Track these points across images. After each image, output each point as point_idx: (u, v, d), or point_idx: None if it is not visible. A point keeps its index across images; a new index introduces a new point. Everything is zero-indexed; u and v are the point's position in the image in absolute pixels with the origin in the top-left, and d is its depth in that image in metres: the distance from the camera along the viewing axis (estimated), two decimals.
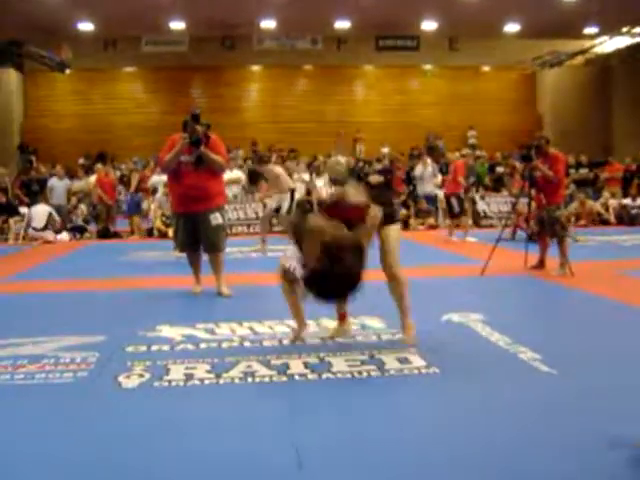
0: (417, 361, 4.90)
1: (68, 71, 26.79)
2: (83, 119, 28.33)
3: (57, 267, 11.53)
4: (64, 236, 16.57)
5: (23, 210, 17.15)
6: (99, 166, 18.74)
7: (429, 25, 26.72)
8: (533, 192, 9.34)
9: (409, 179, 19.64)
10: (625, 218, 17.56)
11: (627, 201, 18.16)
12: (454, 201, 14.26)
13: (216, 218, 7.72)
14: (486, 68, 30.16)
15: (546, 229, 9.16)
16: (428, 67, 30.27)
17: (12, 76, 27.13)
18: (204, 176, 7.65)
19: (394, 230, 5.45)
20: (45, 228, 16.22)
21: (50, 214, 16.43)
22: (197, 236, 7.77)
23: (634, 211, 17.64)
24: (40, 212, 16.41)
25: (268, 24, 26.20)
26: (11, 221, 16.69)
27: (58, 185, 17.34)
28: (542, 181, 9.18)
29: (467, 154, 17.80)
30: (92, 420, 3.93)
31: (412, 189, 19.12)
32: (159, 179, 17.26)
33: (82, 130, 27.95)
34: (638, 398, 4.06)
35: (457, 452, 3.36)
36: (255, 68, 29.98)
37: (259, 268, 9.98)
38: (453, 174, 14.50)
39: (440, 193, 17.95)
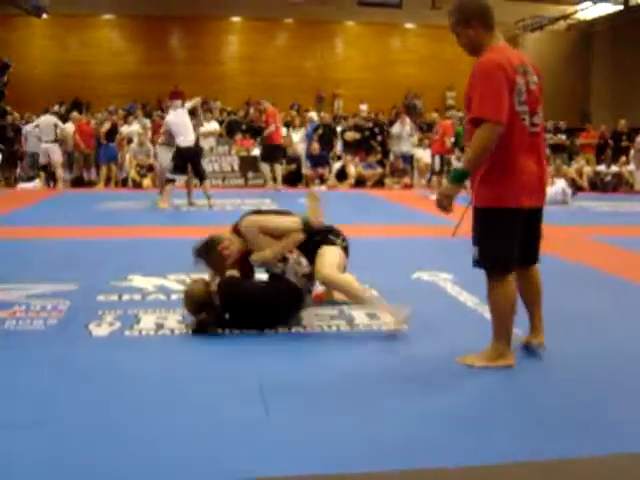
0: (386, 317, 4.96)
1: (45, 16, 26.33)
2: (59, 65, 27.91)
3: (31, 214, 11.46)
4: (37, 183, 16.43)
5: None
6: (75, 114, 18.52)
7: None
8: None
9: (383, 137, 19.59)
10: (598, 185, 17.71)
11: (601, 168, 18.29)
12: (438, 161, 14.40)
13: None
14: None
15: None
16: (410, 25, 30.08)
17: None
18: None
19: (331, 249, 4.96)
20: (55, 141, 16.18)
21: (56, 125, 16.42)
22: None
23: (607, 178, 17.79)
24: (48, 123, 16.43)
25: None
26: None
27: (31, 132, 17.09)
28: None
29: (452, 115, 17.75)
30: (61, 366, 3.96)
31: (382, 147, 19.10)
32: (133, 129, 17.17)
33: (58, 76, 27.55)
34: (599, 362, 4.15)
35: (417, 406, 3.43)
36: (235, 19, 29.62)
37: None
38: (441, 135, 14.52)
39: (416, 152, 17.99)
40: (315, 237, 4.94)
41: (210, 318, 4.57)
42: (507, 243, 3.81)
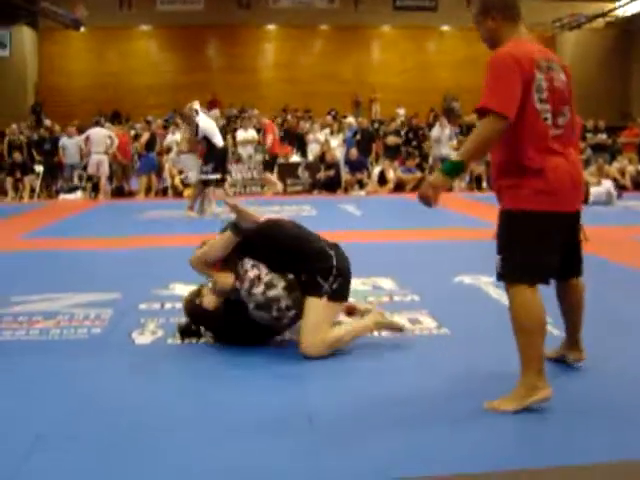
0: (428, 322, 4.92)
1: (83, 29, 26.69)
2: (97, 77, 28.24)
3: (72, 225, 11.59)
4: (78, 195, 16.63)
5: (38, 168, 17.21)
6: (108, 124, 18.73)
7: None
8: None
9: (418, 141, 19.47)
10: None
11: None
12: None
13: None
14: None
15: None
16: (446, 28, 29.96)
17: (26, 34, 27.02)
18: None
19: (316, 305, 4.26)
20: (106, 152, 16.53)
21: (110, 136, 16.78)
22: None
23: None
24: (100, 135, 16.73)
25: None
26: (26, 179, 16.76)
27: (70, 144, 17.31)
28: None
29: None
30: (104, 375, 3.99)
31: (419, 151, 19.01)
32: (173, 139, 17.29)
33: (96, 88, 27.88)
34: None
35: (459, 411, 3.38)
36: (271, 27, 29.75)
37: None
38: None
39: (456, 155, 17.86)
40: (308, 268, 4.34)
41: (189, 326, 4.68)
42: (534, 250, 3.37)
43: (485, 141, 3.33)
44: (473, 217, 11.55)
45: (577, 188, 3.51)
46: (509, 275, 3.42)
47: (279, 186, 16.98)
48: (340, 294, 4.35)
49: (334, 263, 4.33)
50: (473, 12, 3.68)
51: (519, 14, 3.62)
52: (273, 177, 17.22)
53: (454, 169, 3.39)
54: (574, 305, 3.86)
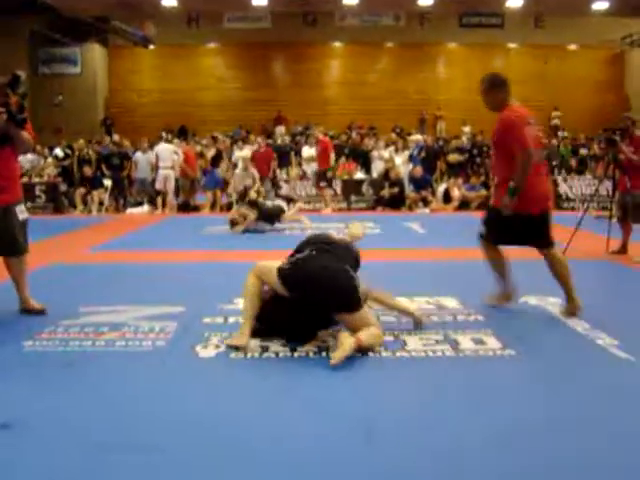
0: (492, 343, 4.86)
1: (151, 47, 27.21)
2: (165, 94, 28.72)
3: (138, 239, 11.76)
4: (145, 208, 16.90)
5: (106, 182, 17.55)
6: (176, 141, 19.03)
7: (514, 2, 26.21)
8: (617, 175, 9.12)
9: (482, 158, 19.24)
10: None
11: None
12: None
13: (22, 211, 5.86)
14: (572, 47, 29.41)
15: (629, 213, 8.91)
16: (512, 45, 29.72)
17: (97, 52, 27.67)
18: (4, 156, 5.71)
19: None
20: (172, 167, 16.95)
21: (176, 152, 17.20)
22: None
23: None
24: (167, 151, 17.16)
25: (350, 0, 26.04)
26: (95, 193, 17.10)
27: (142, 158, 17.66)
28: (627, 164, 8.92)
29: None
30: (168, 387, 4.03)
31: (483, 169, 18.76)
32: (243, 154, 17.49)
33: (164, 105, 28.34)
34: None
35: (524, 432, 3.33)
36: (337, 45, 29.89)
37: None
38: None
39: None
40: None
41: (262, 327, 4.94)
42: None
43: (526, 166, 5.40)
44: None
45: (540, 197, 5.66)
46: None
47: (330, 208, 16.87)
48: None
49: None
50: (484, 87, 5.63)
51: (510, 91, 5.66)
52: (327, 193, 16.95)
53: (514, 192, 5.53)
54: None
